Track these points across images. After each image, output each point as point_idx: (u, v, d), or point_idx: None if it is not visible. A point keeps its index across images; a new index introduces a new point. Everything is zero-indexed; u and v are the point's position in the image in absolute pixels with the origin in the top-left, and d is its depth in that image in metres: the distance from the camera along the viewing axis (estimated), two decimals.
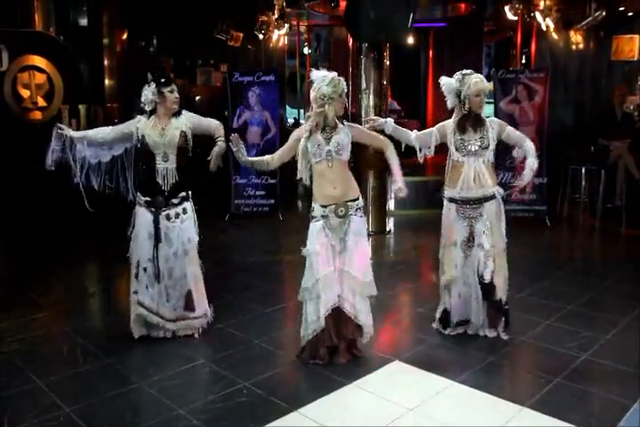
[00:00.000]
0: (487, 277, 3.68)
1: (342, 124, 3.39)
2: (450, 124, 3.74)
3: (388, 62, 6.89)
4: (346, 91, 3.34)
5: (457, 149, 3.67)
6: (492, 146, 3.66)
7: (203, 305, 3.95)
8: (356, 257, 3.39)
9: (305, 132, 3.36)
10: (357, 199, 3.44)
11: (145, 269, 3.75)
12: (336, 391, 3.15)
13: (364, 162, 6.59)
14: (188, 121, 3.76)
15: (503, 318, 3.81)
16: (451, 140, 3.70)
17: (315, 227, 3.38)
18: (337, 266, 3.38)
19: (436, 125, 3.81)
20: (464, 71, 3.67)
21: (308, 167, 3.38)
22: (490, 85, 3.63)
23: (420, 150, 3.79)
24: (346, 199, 3.38)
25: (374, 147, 3.65)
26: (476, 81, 3.60)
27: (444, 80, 3.69)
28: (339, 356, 3.48)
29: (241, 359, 3.56)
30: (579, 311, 4.31)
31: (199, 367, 3.48)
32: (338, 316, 3.43)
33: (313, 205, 3.43)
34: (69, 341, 3.90)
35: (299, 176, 3.40)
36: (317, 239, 3.35)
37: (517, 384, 3.38)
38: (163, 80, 3.67)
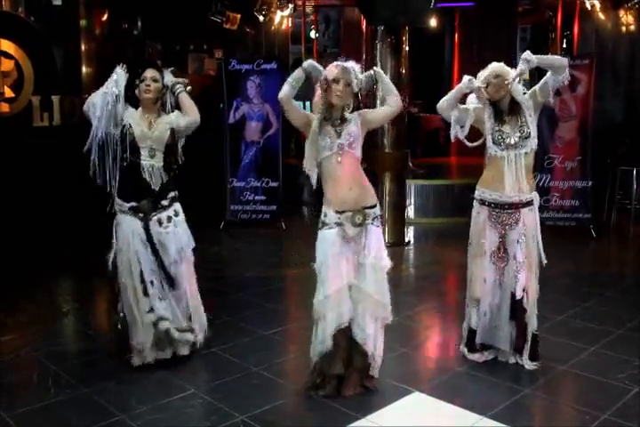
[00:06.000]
0: (519, 293, 3.70)
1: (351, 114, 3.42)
2: (486, 108, 3.76)
3: (407, 48, 6.93)
4: (359, 80, 3.34)
5: (494, 142, 3.71)
6: (534, 132, 3.69)
7: (200, 320, 3.99)
8: (371, 272, 3.40)
9: (316, 117, 3.35)
10: (375, 206, 3.47)
11: (152, 282, 3.76)
12: None
13: (378, 163, 6.61)
14: (177, 119, 3.80)
15: (530, 344, 3.76)
16: (488, 129, 3.73)
17: (327, 235, 3.39)
18: (351, 281, 3.39)
19: (472, 106, 3.80)
20: None
21: (317, 160, 3.36)
22: (499, 67, 3.65)
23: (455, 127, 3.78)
24: (363, 205, 3.40)
25: (389, 115, 3.57)
26: (483, 72, 3.70)
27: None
28: (345, 387, 3.46)
29: (238, 389, 3.57)
30: (630, 336, 4.31)
31: (190, 398, 3.49)
32: (350, 339, 3.43)
33: (325, 210, 3.43)
34: (40, 367, 3.92)
35: (304, 165, 3.39)
36: (330, 250, 3.37)
37: (557, 421, 3.37)
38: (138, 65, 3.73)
